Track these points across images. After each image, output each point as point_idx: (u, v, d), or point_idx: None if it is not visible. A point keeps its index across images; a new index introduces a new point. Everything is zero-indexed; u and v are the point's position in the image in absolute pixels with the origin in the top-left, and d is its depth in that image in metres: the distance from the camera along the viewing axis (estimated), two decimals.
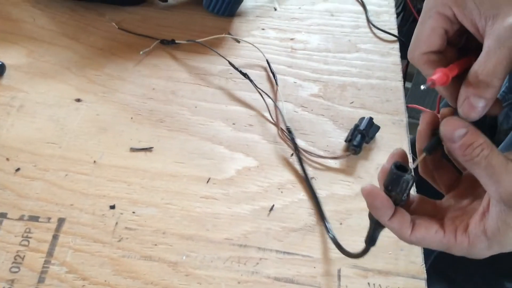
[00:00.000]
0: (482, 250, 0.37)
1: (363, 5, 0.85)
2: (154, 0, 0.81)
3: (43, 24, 0.79)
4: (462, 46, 0.41)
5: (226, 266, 0.55)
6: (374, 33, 0.82)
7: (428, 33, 0.39)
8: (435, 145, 0.39)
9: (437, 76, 0.36)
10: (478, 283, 0.81)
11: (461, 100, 0.36)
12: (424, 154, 0.39)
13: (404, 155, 0.41)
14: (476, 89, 0.35)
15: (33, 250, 0.55)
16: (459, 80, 0.37)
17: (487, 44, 0.35)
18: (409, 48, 0.41)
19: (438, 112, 0.40)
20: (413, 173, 0.40)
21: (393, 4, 0.88)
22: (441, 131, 0.37)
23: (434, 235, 0.39)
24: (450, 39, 0.40)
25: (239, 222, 0.59)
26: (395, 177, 0.39)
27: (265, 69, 0.75)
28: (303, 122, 0.69)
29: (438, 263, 0.64)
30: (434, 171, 0.42)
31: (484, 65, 0.35)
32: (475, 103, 0.36)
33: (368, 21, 0.83)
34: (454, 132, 0.36)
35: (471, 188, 0.40)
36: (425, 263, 0.92)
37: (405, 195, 0.40)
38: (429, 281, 0.93)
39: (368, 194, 0.39)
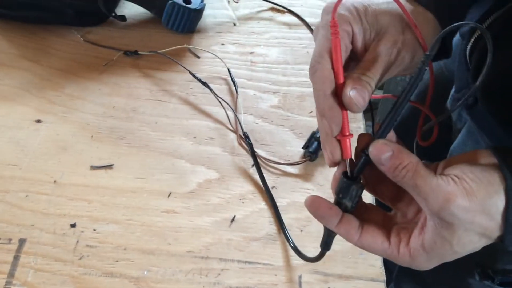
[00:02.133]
0: (422, 263, 0.39)
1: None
2: (113, 20, 0.82)
3: (3, 48, 0.79)
4: None
5: (187, 278, 0.56)
6: None
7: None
8: (363, 167, 0.41)
9: None
10: (445, 280, 0.82)
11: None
12: (355, 174, 0.41)
13: (351, 164, 0.42)
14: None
15: None
16: None
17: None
18: None
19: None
20: (362, 181, 0.41)
21: None
22: (370, 155, 0.38)
23: (379, 244, 0.40)
24: None
25: (201, 234, 0.59)
26: (345, 185, 0.41)
27: (226, 82, 0.76)
28: (263, 133, 0.70)
29: None
30: (375, 186, 0.43)
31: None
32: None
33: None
34: (381, 156, 0.37)
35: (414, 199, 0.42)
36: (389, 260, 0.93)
37: (355, 202, 0.41)
38: (400, 281, 0.95)
39: (310, 205, 0.41)
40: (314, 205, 0.41)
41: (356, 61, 0.43)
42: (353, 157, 0.42)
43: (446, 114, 0.42)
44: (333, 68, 0.40)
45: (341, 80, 0.40)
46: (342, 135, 0.41)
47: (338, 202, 0.42)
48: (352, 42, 0.42)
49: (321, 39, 0.40)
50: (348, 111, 0.40)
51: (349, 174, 0.41)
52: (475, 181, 0.35)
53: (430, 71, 0.44)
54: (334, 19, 0.39)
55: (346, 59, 0.41)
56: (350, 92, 0.38)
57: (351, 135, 0.41)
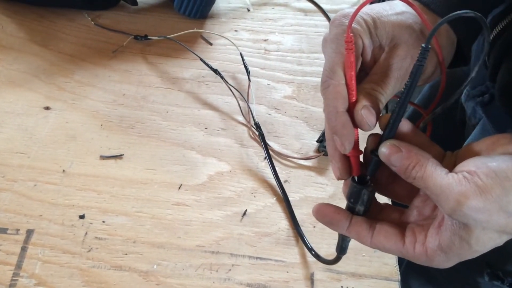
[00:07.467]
0: (441, 262, 0.37)
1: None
2: (124, 3, 0.80)
3: (12, 31, 0.77)
4: None
5: (198, 273, 0.55)
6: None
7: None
8: (375, 169, 0.40)
9: None
10: (454, 277, 0.81)
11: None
12: (368, 177, 0.40)
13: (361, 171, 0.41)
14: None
15: (1, 262, 0.54)
16: None
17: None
18: None
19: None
20: (372, 185, 0.40)
21: None
22: (380, 156, 0.37)
23: (393, 244, 0.39)
24: None
25: (211, 229, 0.58)
26: (355, 190, 0.40)
27: (238, 71, 0.74)
28: (276, 125, 0.68)
29: None
30: (387, 186, 0.42)
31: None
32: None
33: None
34: (391, 157, 0.36)
35: None
36: (404, 258, 0.93)
37: (367, 206, 0.40)
38: (408, 276, 0.93)
39: (317, 213, 0.41)
40: (321, 212, 0.40)
41: (364, 71, 0.42)
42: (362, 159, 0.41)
43: (438, 112, 0.41)
44: (346, 84, 0.38)
45: (354, 97, 0.38)
46: (352, 152, 0.39)
47: (350, 207, 0.41)
48: (362, 55, 0.41)
49: (332, 54, 0.39)
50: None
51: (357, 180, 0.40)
52: (489, 176, 0.33)
53: (442, 77, 0.42)
54: (349, 35, 0.38)
55: (356, 72, 0.40)
56: (362, 111, 0.37)
57: (361, 151, 0.40)
